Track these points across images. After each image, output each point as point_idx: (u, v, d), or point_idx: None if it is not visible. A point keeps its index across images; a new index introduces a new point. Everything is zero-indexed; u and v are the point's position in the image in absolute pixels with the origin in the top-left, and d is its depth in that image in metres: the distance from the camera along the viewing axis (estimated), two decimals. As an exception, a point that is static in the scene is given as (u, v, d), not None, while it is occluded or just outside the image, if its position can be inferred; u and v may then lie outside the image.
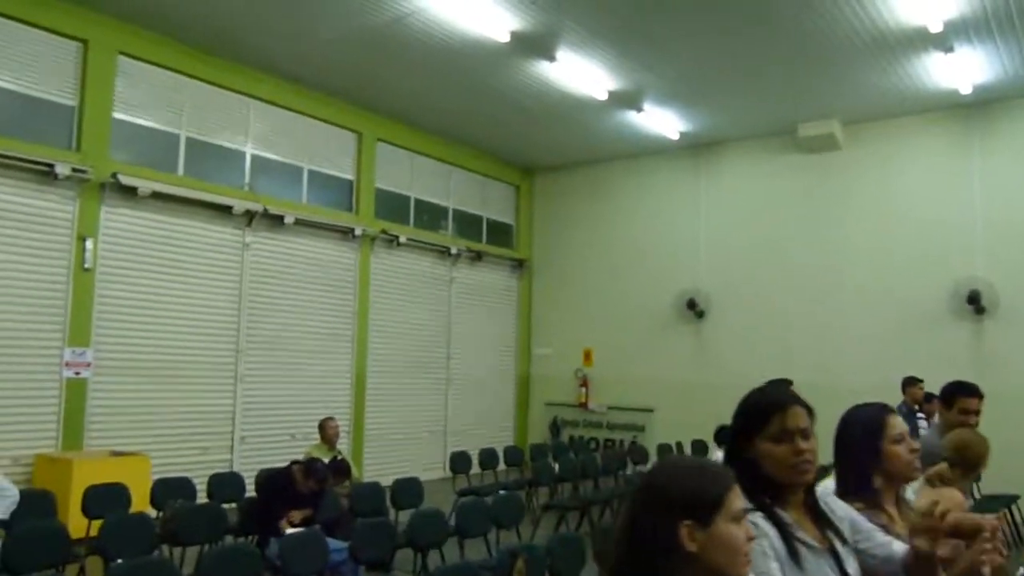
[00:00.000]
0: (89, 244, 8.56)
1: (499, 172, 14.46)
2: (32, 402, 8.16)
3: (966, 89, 10.29)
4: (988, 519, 1.99)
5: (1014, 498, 8.61)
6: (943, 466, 3.36)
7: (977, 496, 8.26)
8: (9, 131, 8.16)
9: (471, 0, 8.38)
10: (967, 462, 3.49)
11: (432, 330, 12.93)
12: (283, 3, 8.66)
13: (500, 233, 14.64)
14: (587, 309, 14.19)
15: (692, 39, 9.36)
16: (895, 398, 10.43)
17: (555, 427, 14.17)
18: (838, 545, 2.02)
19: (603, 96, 10.89)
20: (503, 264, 14.46)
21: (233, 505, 6.93)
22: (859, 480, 2.46)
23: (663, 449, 11.10)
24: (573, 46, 9.52)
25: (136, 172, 9.05)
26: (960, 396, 4.23)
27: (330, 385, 11.14)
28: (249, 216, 10.15)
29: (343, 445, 9.55)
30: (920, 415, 8.31)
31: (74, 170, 8.39)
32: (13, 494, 5.76)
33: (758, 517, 1.87)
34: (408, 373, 12.44)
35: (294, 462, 6.37)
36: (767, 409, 2.02)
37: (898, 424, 2.56)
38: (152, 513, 6.31)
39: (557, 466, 9.53)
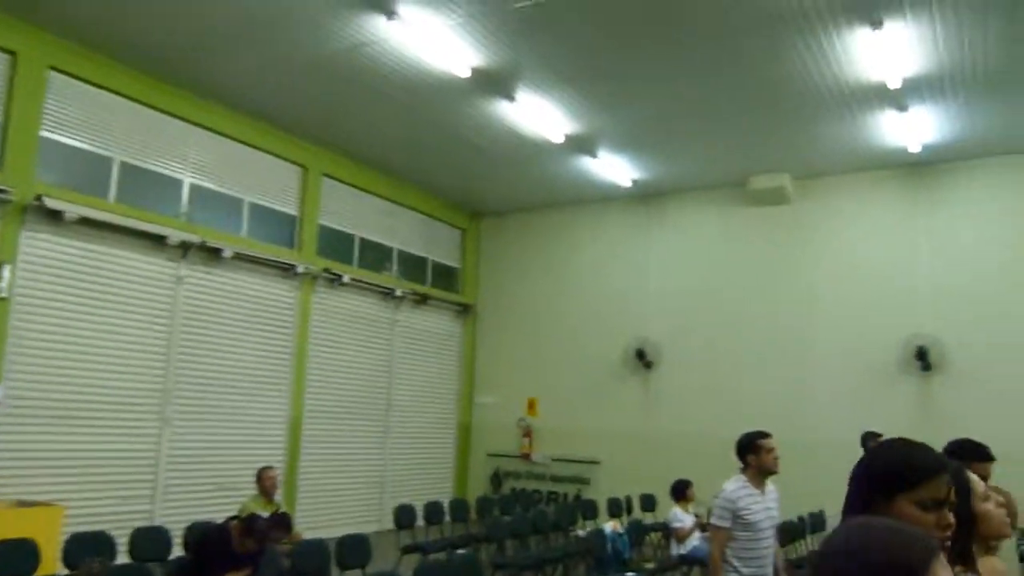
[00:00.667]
0: (6, 271, 7.80)
1: (446, 214, 14.12)
2: (-72, 445, 7.30)
3: (915, 148, 10.49)
4: None
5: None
6: None
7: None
8: (-79, 144, 7.44)
9: (434, 32, 8.11)
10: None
11: (373, 374, 12.36)
12: (230, 27, 8.21)
13: (445, 276, 14.24)
14: (533, 357, 13.85)
15: (653, 84, 9.27)
16: (848, 451, 10.32)
17: (497, 479, 13.65)
18: None
19: (559, 139, 10.71)
20: (447, 308, 14.03)
21: (158, 564, 6.23)
22: (956, 545, 2.17)
23: (613, 503, 10.72)
24: (534, 86, 9.33)
25: (63, 195, 8.37)
26: (974, 462, 4.02)
27: (264, 431, 10.44)
28: (184, 248, 9.50)
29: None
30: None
31: (-6, 190, 7.70)
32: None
33: None
34: (346, 419, 11.80)
35: (231, 518, 5.75)
36: (926, 470, 1.75)
37: (979, 481, 2.36)
38: (64, 573, 5.58)
39: (506, 521, 9.04)
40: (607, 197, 13.21)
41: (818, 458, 10.84)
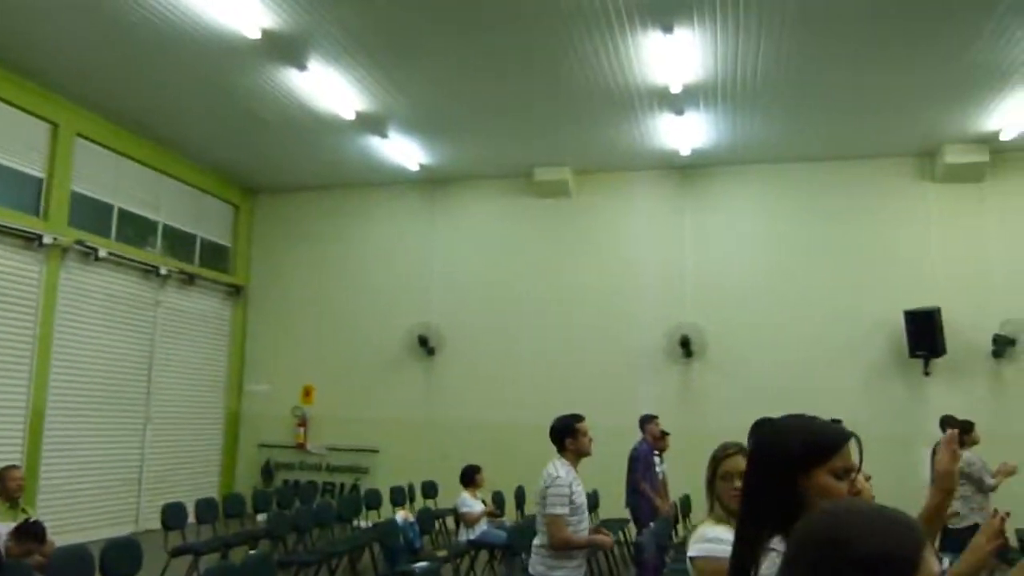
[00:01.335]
0: None
1: (219, 188, 13.08)
2: None
3: (686, 151, 11.28)
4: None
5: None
6: None
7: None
8: None
9: (224, -15, 7.41)
10: None
11: (131, 361, 11.15)
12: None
13: (216, 255, 13.20)
14: (309, 343, 13.24)
15: (450, 68, 9.16)
16: (626, 436, 10.92)
17: (268, 471, 12.91)
18: None
19: (350, 116, 10.28)
20: (217, 289, 13.02)
21: None
22: None
23: (396, 492, 10.52)
24: (328, 57, 8.84)
25: None
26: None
27: (-4, 426, 9.04)
28: None
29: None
30: (656, 451, 8.68)
31: None
32: None
33: None
34: (99, 410, 10.55)
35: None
36: (836, 440, 1.79)
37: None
38: None
39: (288, 515, 8.53)
40: (393, 180, 12.92)
41: (595, 446, 11.36)
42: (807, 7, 7.67)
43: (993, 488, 7.45)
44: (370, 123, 10.63)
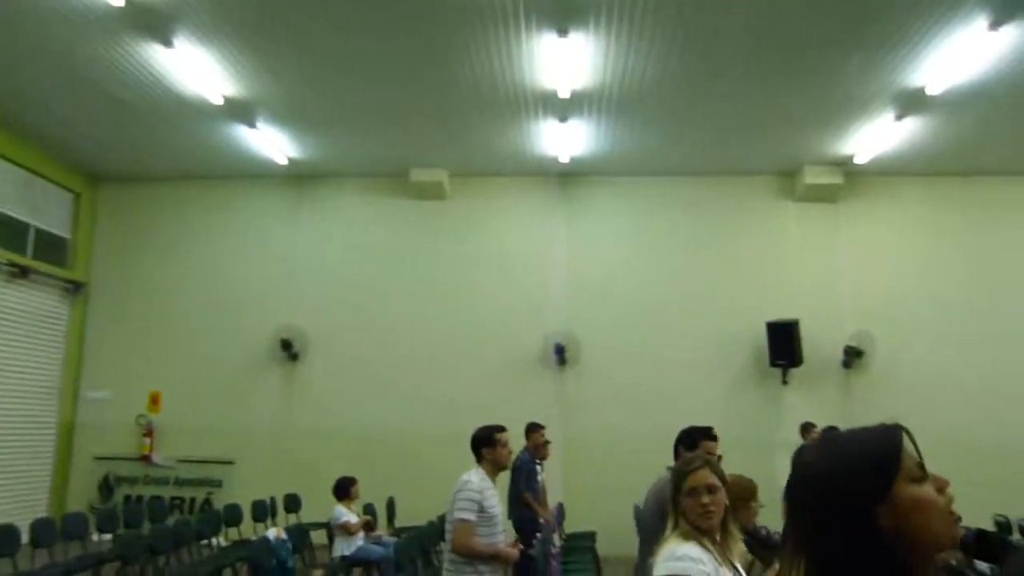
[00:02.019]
0: None
1: (57, 174, 11.81)
2: None
3: (565, 159, 11.30)
4: None
5: (592, 534, 9.33)
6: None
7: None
8: None
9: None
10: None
11: (-52, 363, 9.81)
12: None
13: (52, 247, 11.89)
14: (157, 345, 12.19)
15: (327, 58, 8.71)
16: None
17: (107, 486, 11.74)
18: None
19: (218, 101, 9.55)
20: (53, 285, 11.74)
21: None
22: None
23: (258, 506, 9.82)
24: (198, 33, 8.12)
25: None
26: (702, 439, 4.39)
27: None
28: None
29: None
30: (537, 461, 8.53)
31: None
32: None
33: None
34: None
35: None
36: (895, 437, 1.33)
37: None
38: None
39: (140, 535, 7.71)
40: (258, 173, 12.15)
41: (465, 450, 11.13)
42: (696, 25, 7.84)
43: None
44: (238, 110, 9.92)
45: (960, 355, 11.18)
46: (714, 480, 2.67)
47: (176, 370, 12.05)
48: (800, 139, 10.68)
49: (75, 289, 12.14)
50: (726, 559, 2.60)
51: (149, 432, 11.90)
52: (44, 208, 11.73)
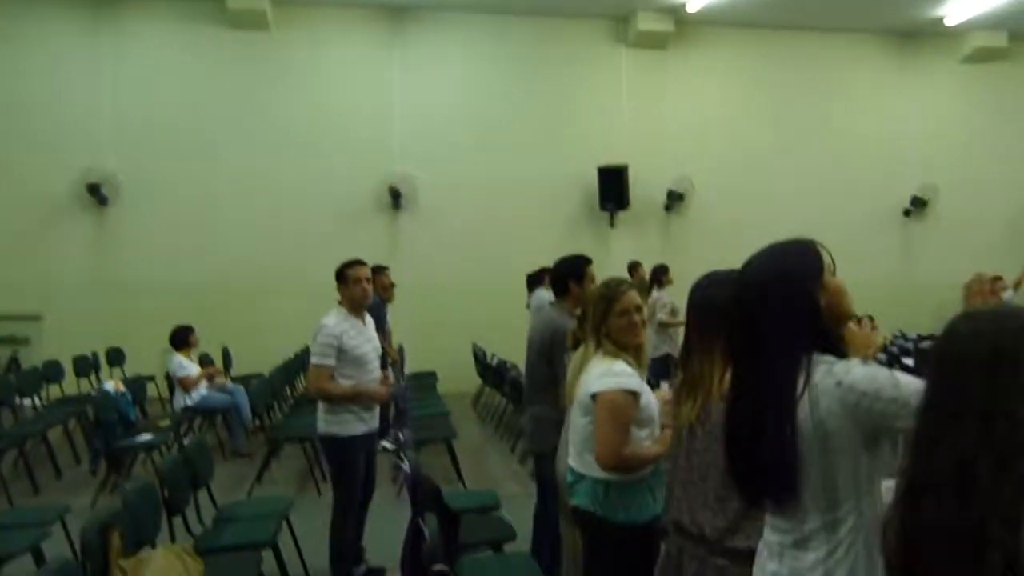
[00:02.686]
0: None
1: None
2: None
3: (399, -10, 10.68)
4: None
5: (432, 373, 9.59)
6: None
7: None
8: None
9: None
10: None
11: None
12: None
13: None
14: (-67, 189, 10.70)
15: None
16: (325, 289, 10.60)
17: None
18: None
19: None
20: None
21: None
22: None
23: (80, 362, 9.21)
24: None
25: None
26: (586, 267, 4.29)
27: None
28: None
29: None
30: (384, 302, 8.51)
31: None
32: None
33: None
34: None
35: None
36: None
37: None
38: None
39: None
40: (44, -9, 10.54)
41: (300, 295, 10.93)
42: None
43: (665, 325, 8.74)
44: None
45: (765, 200, 12.13)
46: (639, 300, 2.79)
47: (-37, 217, 10.70)
48: (635, -17, 10.70)
49: None
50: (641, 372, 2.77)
51: (-65, 287, 10.62)
52: None
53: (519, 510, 4.58)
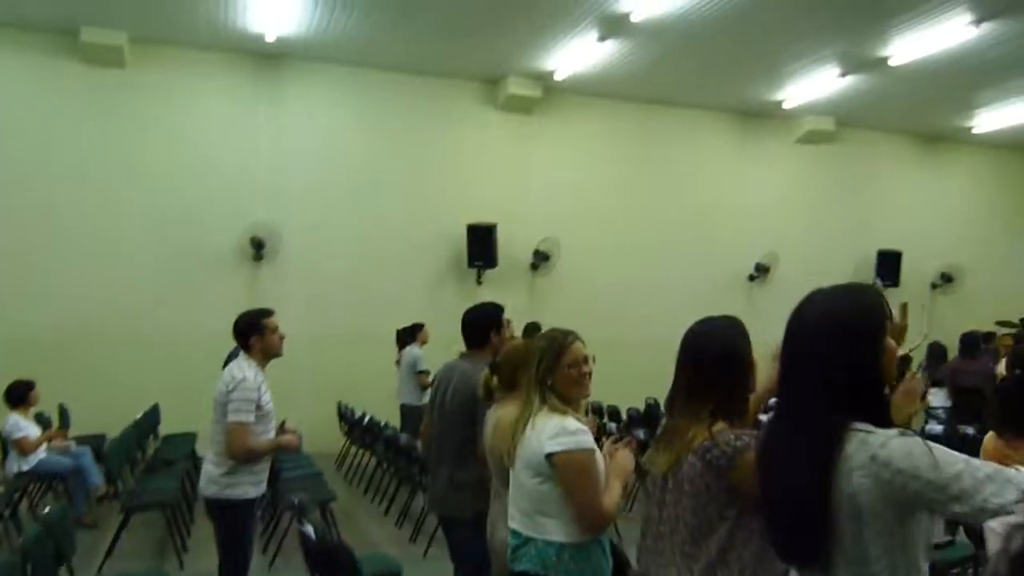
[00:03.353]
0: None
1: None
2: None
3: (271, 37, 10.41)
4: None
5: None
6: None
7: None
8: None
9: None
10: None
11: None
12: None
13: None
14: None
15: None
16: (197, 343, 10.02)
17: None
18: None
19: None
20: None
21: None
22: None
23: None
24: None
25: None
26: (501, 315, 4.26)
27: None
28: None
29: None
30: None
31: None
32: None
33: None
34: None
35: None
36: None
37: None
38: None
39: None
40: None
41: (152, 354, 10.25)
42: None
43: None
44: None
45: (625, 263, 12.65)
46: (586, 351, 2.77)
47: None
48: (508, 49, 10.96)
49: None
50: None
51: None
52: None
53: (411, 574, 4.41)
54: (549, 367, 2.71)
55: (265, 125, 11.21)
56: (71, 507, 6.92)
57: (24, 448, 6.78)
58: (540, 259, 12.18)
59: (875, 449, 1.57)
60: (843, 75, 11.48)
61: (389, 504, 7.69)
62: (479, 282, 12.00)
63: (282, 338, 4.30)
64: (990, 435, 2.92)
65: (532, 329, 10.03)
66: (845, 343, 1.67)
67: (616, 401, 9.72)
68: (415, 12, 9.85)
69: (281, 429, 4.29)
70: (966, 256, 14.43)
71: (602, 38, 10.28)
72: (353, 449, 9.53)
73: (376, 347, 10.64)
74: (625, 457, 2.70)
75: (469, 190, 11.97)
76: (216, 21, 10.02)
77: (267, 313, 4.28)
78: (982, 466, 1.53)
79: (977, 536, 3.45)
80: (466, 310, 4.33)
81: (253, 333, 4.23)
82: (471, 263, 11.77)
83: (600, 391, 9.00)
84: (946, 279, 14.45)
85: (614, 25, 9.85)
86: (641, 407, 9.36)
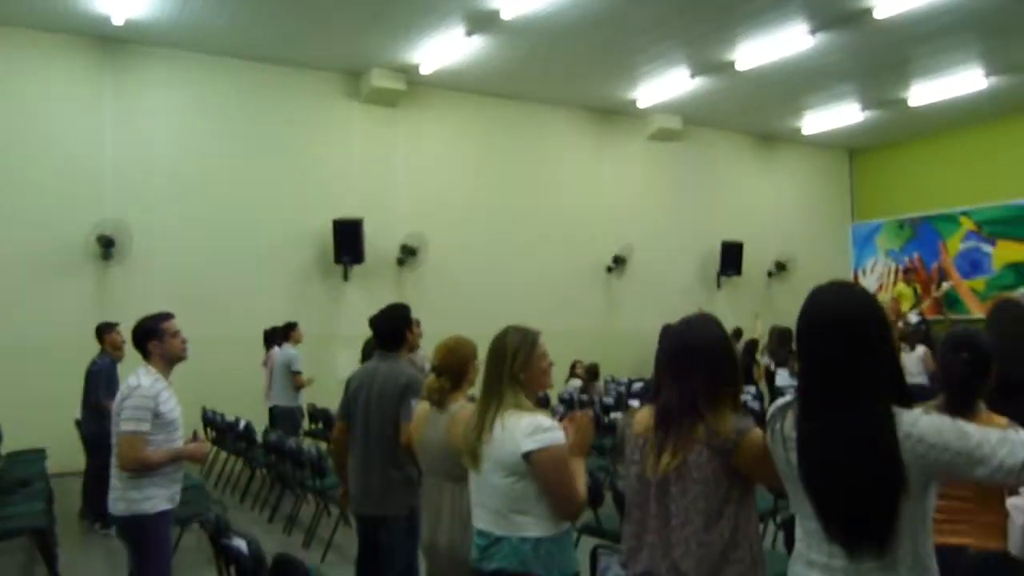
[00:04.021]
0: None
1: None
2: None
3: (119, 20, 9.70)
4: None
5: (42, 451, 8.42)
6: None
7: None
8: None
9: None
10: None
11: None
12: None
13: None
14: None
15: None
16: (45, 351, 9.27)
17: None
18: None
19: None
20: None
21: None
22: None
23: None
24: None
25: None
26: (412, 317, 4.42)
27: None
28: None
29: None
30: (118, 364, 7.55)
31: None
32: None
33: None
34: None
35: None
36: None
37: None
38: None
39: None
40: None
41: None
42: None
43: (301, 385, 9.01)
44: None
45: (490, 256, 12.80)
46: None
47: None
48: (372, 41, 10.77)
49: None
50: None
51: None
52: None
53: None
54: (524, 362, 2.74)
55: (112, 114, 10.44)
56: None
57: None
58: (407, 254, 12.10)
59: (908, 428, 1.76)
60: (693, 76, 12.16)
61: (272, 512, 7.43)
62: (346, 278, 11.77)
63: (184, 341, 4.05)
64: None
65: (413, 324, 9.99)
66: (886, 332, 1.88)
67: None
68: (284, 4, 9.51)
69: (194, 438, 4.07)
70: (797, 246, 15.70)
71: (470, 33, 10.33)
72: (223, 456, 9.10)
73: (240, 348, 10.23)
74: (584, 433, 2.77)
75: (334, 184, 11.70)
76: (58, 3, 9.22)
77: (165, 317, 4.04)
78: (991, 433, 1.77)
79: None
80: (375, 316, 4.36)
81: (151, 338, 3.96)
82: (338, 259, 11.51)
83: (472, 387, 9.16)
84: (780, 267, 15.65)
85: (483, 21, 9.93)
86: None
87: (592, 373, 11.39)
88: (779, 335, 10.71)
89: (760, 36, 10.60)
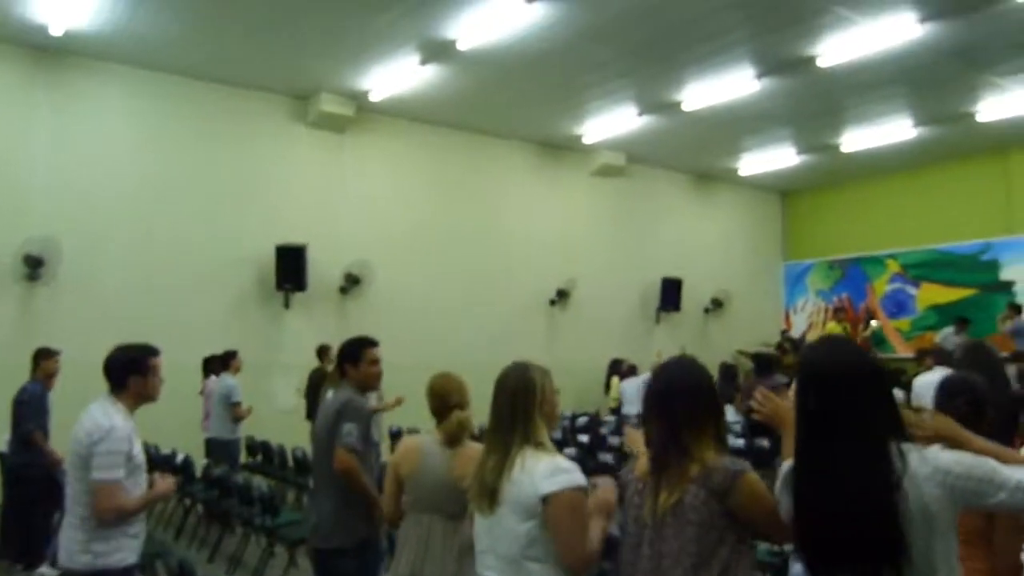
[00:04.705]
0: None
1: None
2: None
3: (58, 31, 9.28)
4: None
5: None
6: None
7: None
8: None
9: None
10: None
11: None
12: None
13: None
14: None
15: None
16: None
17: None
18: None
19: None
20: None
21: None
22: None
23: None
24: None
25: None
26: (365, 348, 4.27)
27: None
28: None
29: None
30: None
31: None
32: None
33: None
34: None
35: None
36: None
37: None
38: None
39: None
40: None
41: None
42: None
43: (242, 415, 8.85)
44: None
45: (433, 287, 12.64)
46: None
47: None
48: (321, 65, 10.56)
49: None
50: None
51: None
52: None
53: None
54: (542, 396, 2.65)
55: (45, 128, 9.94)
56: None
57: None
58: (350, 282, 11.84)
59: (933, 462, 1.85)
60: (640, 115, 12.36)
61: (212, 551, 7.06)
62: (287, 306, 11.44)
63: (162, 383, 3.76)
64: None
65: (323, 351, 9.78)
66: (885, 377, 2.01)
67: (424, 426, 9.63)
68: (225, 19, 9.27)
69: (161, 478, 3.76)
70: (732, 284, 16.05)
71: (424, 62, 10.26)
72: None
73: (175, 376, 9.63)
74: (608, 491, 2.69)
75: (278, 209, 11.39)
76: (-9, 6, 8.78)
77: (153, 352, 3.72)
78: (997, 460, 1.88)
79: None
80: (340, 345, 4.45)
81: (134, 373, 3.61)
82: (280, 286, 11.18)
83: (410, 416, 8.95)
84: (716, 304, 15.95)
85: (438, 51, 9.88)
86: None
87: None
88: (724, 371, 10.84)
89: (709, 78, 10.85)
